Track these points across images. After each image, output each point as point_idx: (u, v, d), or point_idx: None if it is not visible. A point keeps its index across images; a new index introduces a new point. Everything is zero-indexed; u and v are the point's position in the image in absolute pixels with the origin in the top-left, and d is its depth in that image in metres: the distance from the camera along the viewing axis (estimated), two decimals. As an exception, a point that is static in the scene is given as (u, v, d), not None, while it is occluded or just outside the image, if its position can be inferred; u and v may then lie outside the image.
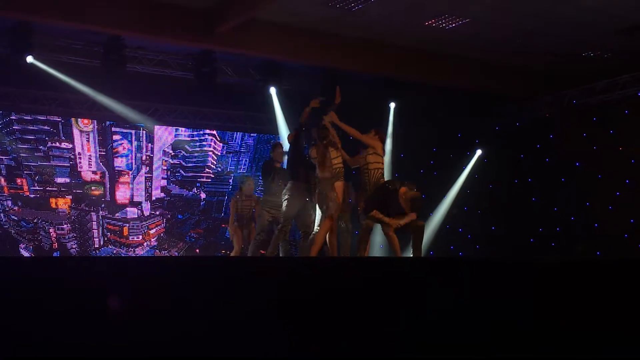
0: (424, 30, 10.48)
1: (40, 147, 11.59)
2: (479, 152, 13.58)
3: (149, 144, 12.48)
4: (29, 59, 10.11)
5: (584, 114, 12.36)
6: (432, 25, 10.30)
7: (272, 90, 12.04)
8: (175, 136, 12.76)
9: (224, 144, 13.16)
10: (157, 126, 12.52)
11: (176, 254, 12.53)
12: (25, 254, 11.24)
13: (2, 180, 11.28)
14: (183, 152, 12.80)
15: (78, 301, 3.17)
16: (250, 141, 13.39)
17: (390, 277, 3.98)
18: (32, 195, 11.50)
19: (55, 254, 11.48)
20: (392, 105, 12.96)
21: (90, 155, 12.00)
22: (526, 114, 13.20)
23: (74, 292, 3.23)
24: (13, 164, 11.38)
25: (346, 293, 3.60)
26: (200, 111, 12.73)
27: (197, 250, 12.78)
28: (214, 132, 13.05)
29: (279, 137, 12.77)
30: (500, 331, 3.52)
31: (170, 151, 12.72)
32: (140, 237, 12.40)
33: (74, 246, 11.75)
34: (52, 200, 11.66)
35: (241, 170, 13.21)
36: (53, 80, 10.65)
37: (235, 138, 13.27)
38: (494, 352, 3.41)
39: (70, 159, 11.80)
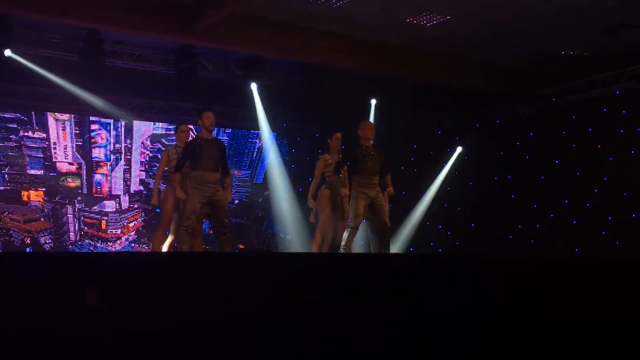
0: (405, 27, 10.47)
1: (12, 136, 11.35)
2: (459, 149, 13.61)
3: (128, 139, 12.34)
4: (7, 52, 9.95)
5: (564, 112, 12.45)
6: (413, 23, 10.30)
7: (253, 86, 11.95)
8: (154, 129, 12.64)
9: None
10: (136, 119, 12.38)
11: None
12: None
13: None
14: (160, 145, 12.68)
15: (61, 300, 3.09)
16: (224, 137, 13.27)
17: (389, 275, 3.96)
18: (1, 188, 11.26)
19: (27, 250, 11.27)
20: (374, 101, 12.95)
21: (66, 145, 11.77)
22: (506, 112, 13.25)
23: (56, 290, 3.15)
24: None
25: (346, 292, 3.57)
26: (181, 106, 12.60)
27: (176, 244, 12.63)
28: (191, 126, 12.87)
29: (258, 132, 12.73)
30: (503, 330, 3.50)
31: (149, 143, 12.60)
32: (119, 230, 12.25)
33: (48, 241, 11.55)
34: (24, 193, 11.41)
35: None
36: (31, 74, 10.48)
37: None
38: (494, 351, 3.39)
39: (43, 150, 11.57)
